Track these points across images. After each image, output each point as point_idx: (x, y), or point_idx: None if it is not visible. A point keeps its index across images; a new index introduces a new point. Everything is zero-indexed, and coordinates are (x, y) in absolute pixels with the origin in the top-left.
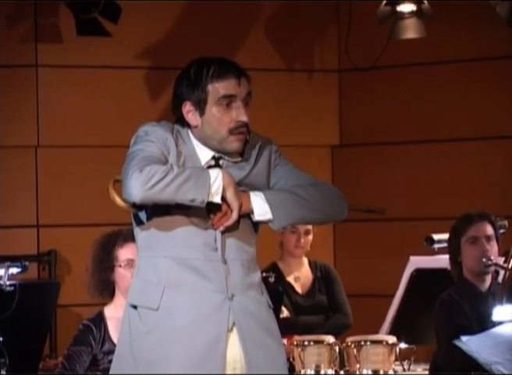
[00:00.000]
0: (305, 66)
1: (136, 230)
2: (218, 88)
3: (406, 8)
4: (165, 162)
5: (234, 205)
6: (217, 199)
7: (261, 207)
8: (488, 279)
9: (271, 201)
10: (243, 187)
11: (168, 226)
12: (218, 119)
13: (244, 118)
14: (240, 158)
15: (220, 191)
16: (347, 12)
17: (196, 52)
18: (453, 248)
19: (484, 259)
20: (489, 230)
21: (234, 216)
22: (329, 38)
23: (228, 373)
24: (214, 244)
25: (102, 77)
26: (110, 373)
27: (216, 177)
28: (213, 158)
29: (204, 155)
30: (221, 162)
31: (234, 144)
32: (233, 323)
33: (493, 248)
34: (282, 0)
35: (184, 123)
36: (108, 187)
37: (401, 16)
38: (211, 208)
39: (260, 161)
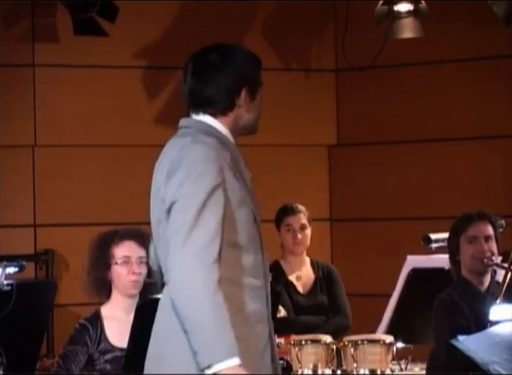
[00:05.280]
0: (302, 65)
1: None
2: (259, 76)
3: (403, 7)
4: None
5: None
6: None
7: None
8: (488, 278)
9: None
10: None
11: (237, 254)
12: (260, 104)
13: None
14: None
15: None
16: (344, 12)
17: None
18: (453, 248)
19: (485, 260)
20: (489, 230)
21: None
22: (326, 38)
23: None
24: (264, 272)
25: (99, 77)
26: None
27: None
28: None
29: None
30: None
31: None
32: None
33: (492, 248)
34: (280, 0)
35: (216, 114)
36: None
37: (398, 15)
38: None
39: None
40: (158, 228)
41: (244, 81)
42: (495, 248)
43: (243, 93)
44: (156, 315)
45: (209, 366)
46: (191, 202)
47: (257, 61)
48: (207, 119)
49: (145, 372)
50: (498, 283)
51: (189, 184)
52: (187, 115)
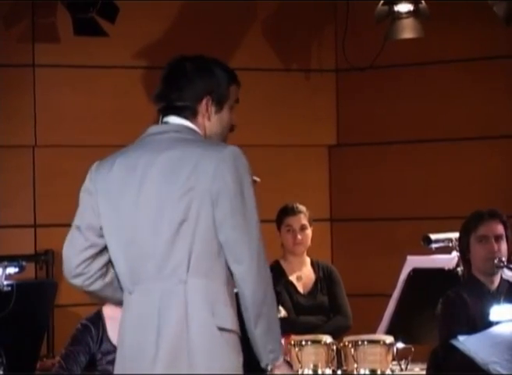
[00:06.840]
0: (302, 65)
1: (221, 263)
2: (235, 91)
3: (403, 8)
4: None
5: None
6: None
7: None
8: (497, 278)
9: None
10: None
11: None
12: (228, 119)
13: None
14: None
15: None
16: (344, 12)
17: (193, 52)
18: (463, 246)
19: (496, 261)
20: (500, 229)
21: None
22: (327, 38)
23: None
24: None
25: (99, 77)
26: None
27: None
28: None
29: None
30: None
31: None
32: None
33: (503, 248)
34: (280, 0)
35: (188, 117)
36: None
37: (398, 15)
38: None
39: None
40: (180, 228)
41: (208, 90)
42: (505, 248)
43: (205, 101)
44: (174, 312)
45: (279, 359)
46: (252, 199)
47: (232, 76)
48: (188, 124)
49: (169, 369)
50: (508, 282)
51: (249, 185)
52: (157, 116)
